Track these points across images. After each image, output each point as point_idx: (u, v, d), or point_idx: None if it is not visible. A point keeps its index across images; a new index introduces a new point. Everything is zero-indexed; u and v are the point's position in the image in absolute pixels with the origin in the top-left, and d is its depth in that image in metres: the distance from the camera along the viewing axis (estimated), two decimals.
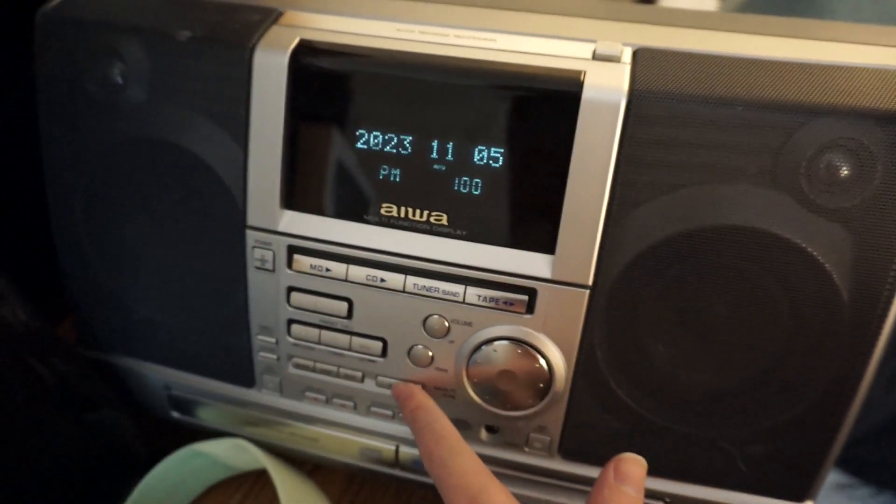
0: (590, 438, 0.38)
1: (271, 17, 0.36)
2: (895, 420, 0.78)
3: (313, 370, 0.40)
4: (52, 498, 0.42)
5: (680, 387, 0.35)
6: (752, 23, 0.35)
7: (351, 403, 0.41)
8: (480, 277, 0.34)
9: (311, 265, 0.36)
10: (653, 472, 0.38)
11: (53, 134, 0.39)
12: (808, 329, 0.33)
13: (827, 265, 0.31)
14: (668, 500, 0.39)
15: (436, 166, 0.34)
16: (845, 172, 0.30)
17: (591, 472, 0.39)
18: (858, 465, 0.82)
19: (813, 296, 0.32)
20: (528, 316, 0.35)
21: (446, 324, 0.36)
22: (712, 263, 0.32)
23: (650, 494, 0.39)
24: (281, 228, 0.36)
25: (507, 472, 0.40)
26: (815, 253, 0.31)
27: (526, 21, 0.35)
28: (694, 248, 0.32)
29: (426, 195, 0.34)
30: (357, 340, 0.38)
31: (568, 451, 0.39)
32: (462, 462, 0.31)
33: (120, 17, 0.37)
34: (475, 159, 0.33)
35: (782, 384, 0.34)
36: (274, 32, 0.35)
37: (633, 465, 0.30)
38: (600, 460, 0.38)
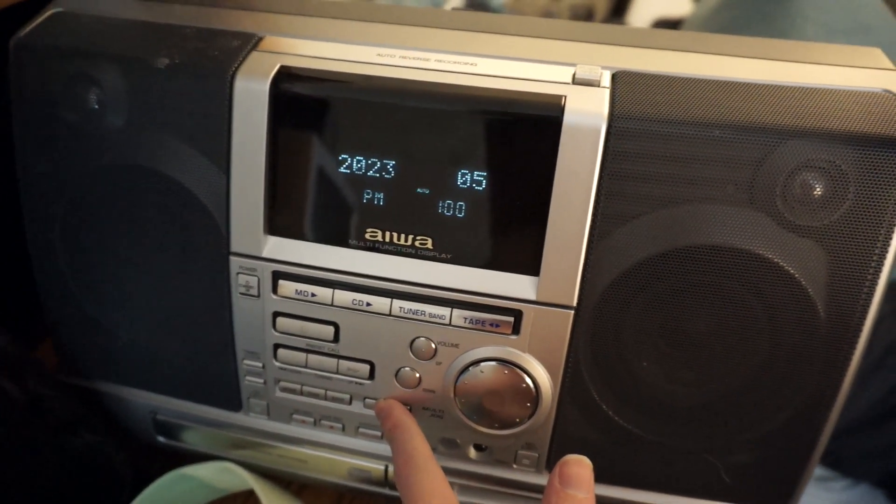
0: (577, 453, 0.38)
1: (251, 43, 0.36)
2: (870, 414, 0.81)
3: (300, 393, 0.40)
4: None
5: (664, 401, 0.36)
6: (727, 44, 0.35)
7: (339, 425, 0.41)
8: (466, 300, 0.35)
9: (296, 290, 0.36)
10: (639, 484, 0.39)
11: (30, 160, 0.39)
12: (786, 343, 0.33)
13: (803, 282, 0.32)
14: None
15: (419, 190, 0.34)
16: (819, 192, 0.31)
17: None
18: (836, 459, 0.84)
19: (790, 311, 0.33)
20: (513, 337, 0.35)
21: (433, 346, 0.36)
22: (692, 281, 0.33)
23: None
24: (265, 254, 0.36)
25: (496, 488, 0.41)
26: (791, 270, 0.32)
27: (505, 44, 0.36)
28: (674, 267, 0.33)
29: (410, 219, 0.35)
30: (344, 364, 0.38)
31: None
32: (424, 482, 0.31)
33: (96, 44, 0.36)
34: (458, 183, 0.34)
35: (763, 396, 0.35)
36: (254, 59, 0.35)
37: (577, 466, 0.30)
38: None
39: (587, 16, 1.62)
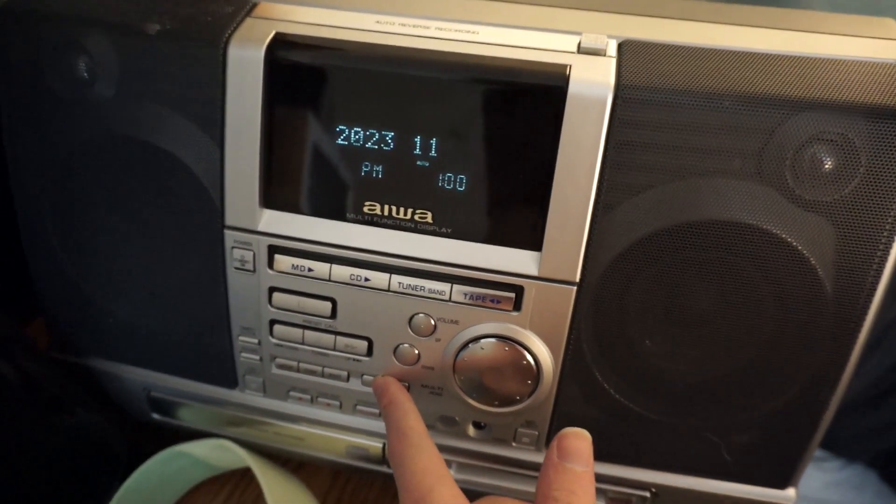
0: None
1: (245, 8, 0.34)
2: (866, 394, 0.81)
3: (297, 370, 0.39)
4: (31, 501, 0.41)
5: (666, 379, 0.36)
6: (737, 14, 0.34)
7: (336, 402, 0.40)
8: (466, 275, 0.34)
9: (292, 265, 0.36)
10: (639, 462, 0.39)
11: (17, 133, 0.38)
12: (792, 321, 0.33)
13: (811, 258, 0.31)
14: (654, 490, 0.39)
15: (419, 162, 0.33)
16: (829, 166, 0.30)
17: None
18: (830, 439, 0.84)
19: (797, 288, 0.32)
20: (514, 313, 0.34)
21: (432, 322, 0.35)
22: (698, 257, 0.32)
23: (637, 485, 0.39)
24: (261, 228, 0.35)
25: (495, 466, 0.41)
26: (799, 246, 0.31)
27: (508, 12, 0.35)
28: (680, 243, 0.32)
29: (410, 192, 0.34)
30: (342, 340, 0.37)
31: None
32: (418, 461, 0.30)
33: (84, 10, 0.35)
34: (460, 155, 0.33)
35: (767, 375, 0.35)
36: (248, 25, 0.34)
37: (575, 439, 0.29)
38: None
39: None
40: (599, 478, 0.39)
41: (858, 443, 0.83)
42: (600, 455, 0.38)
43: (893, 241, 0.31)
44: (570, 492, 0.28)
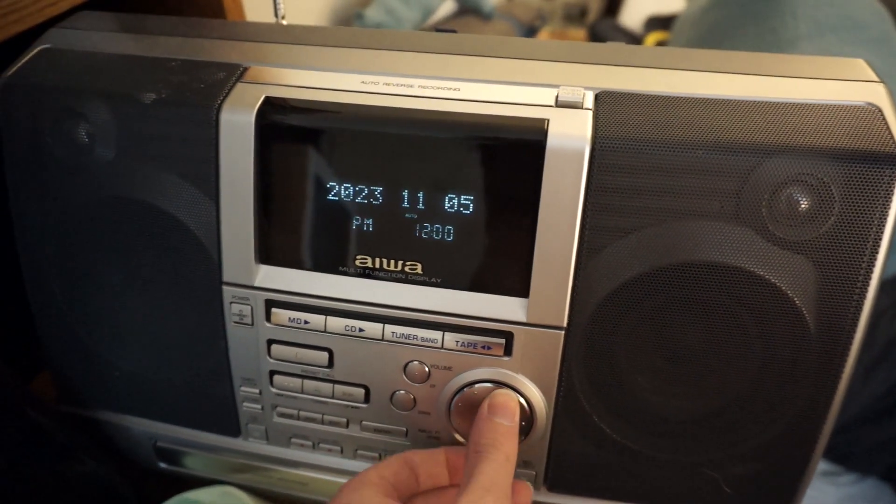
0: (574, 470, 0.38)
1: (236, 74, 0.36)
2: (874, 409, 0.80)
3: (298, 418, 0.40)
4: None
5: (659, 415, 0.36)
6: (711, 60, 0.35)
7: (337, 448, 0.41)
8: (457, 323, 0.35)
9: (289, 318, 0.37)
10: (638, 499, 0.39)
11: (23, 197, 0.39)
12: (778, 357, 0.34)
13: (791, 295, 0.32)
14: None
15: (407, 215, 0.34)
16: (805, 207, 0.31)
17: (578, 502, 0.40)
18: (842, 453, 0.84)
19: (780, 325, 0.33)
20: (506, 358, 0.35)
21: (426, 369, 0.36)
22: (682, 298, 0.33)
23: None
24: (257, 283, 0.36)
25: None
26: (779, 284, 0.32)
27: (488, 67, 0.36)
28: (663, 285, 0.33)
29: (399, 244, 0.35)
30: (340, 388, 0.38)
31: (553, 483, 0.39)
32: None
33: (82, 81, 0.36)
34: (446, 207, 0.34)
35: (757, 409, 0.35)
36: (239, 90, 0.35)
37: (504, 397, 0.34)
38: (586, 490, 0.39)
39: (581, 14, 1.62)
40: None
41: (871, 456, 0.83)
42: (599, 492, 0.39)
43: (871, 277, 0.32)
44: (496, 440, 0.32)
